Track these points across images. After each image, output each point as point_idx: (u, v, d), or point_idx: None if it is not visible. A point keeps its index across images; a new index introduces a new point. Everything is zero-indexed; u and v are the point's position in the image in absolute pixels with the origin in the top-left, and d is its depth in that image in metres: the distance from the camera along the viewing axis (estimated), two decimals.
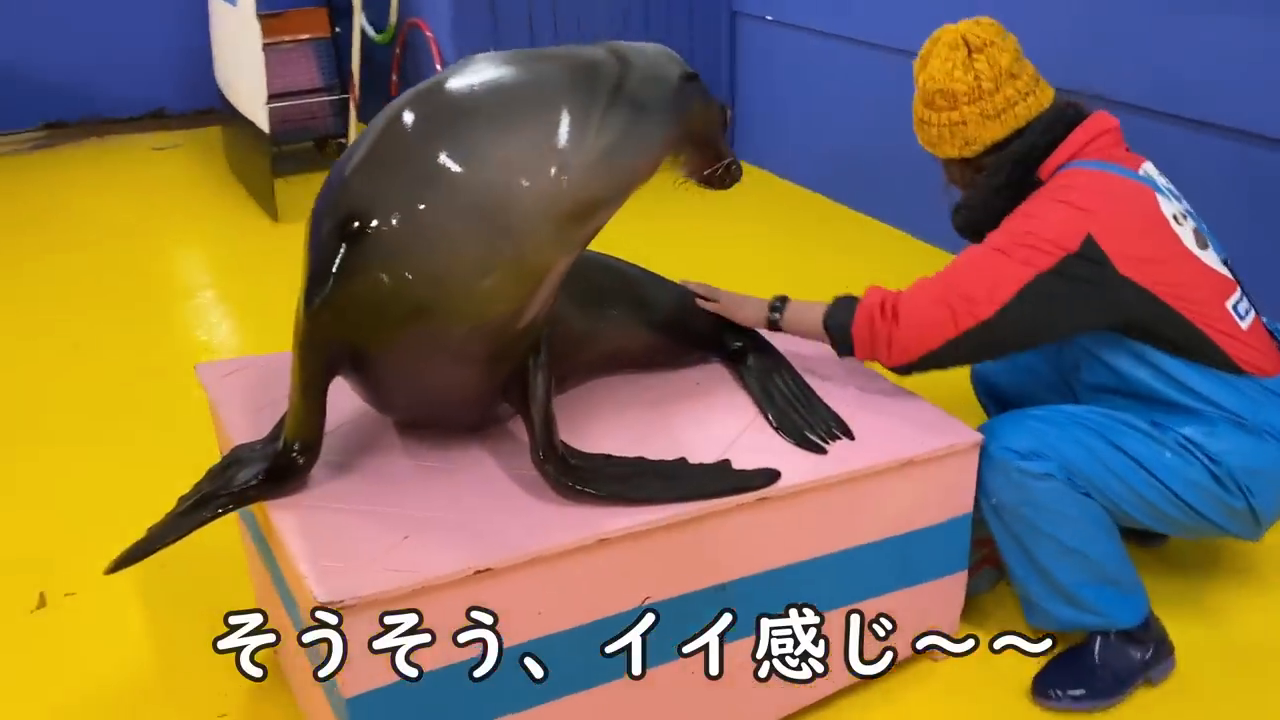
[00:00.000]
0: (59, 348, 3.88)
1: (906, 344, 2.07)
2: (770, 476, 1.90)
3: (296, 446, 1.78)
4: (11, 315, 4.19)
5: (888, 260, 4.38)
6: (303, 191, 4.74)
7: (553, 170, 1.66)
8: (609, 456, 1.91)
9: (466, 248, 1.64)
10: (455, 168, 1.64)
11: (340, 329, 1.72)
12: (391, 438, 2.00)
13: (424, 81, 1.77)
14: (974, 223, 2.21)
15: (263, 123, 4.90)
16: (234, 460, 1.88)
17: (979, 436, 2.10)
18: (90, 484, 3.03)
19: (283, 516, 1.75)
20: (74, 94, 6.57)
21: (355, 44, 5.49)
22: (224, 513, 1.77)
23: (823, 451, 2.03)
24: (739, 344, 2.34)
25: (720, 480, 1.88)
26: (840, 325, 2.15)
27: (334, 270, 1.66)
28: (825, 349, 2.42)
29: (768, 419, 2.13)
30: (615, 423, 2.09)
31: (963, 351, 2.07)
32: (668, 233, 4.76)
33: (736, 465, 1.93)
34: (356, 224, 1.64)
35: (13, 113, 6.47)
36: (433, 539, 1.71)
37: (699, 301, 2.34)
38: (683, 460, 1.92)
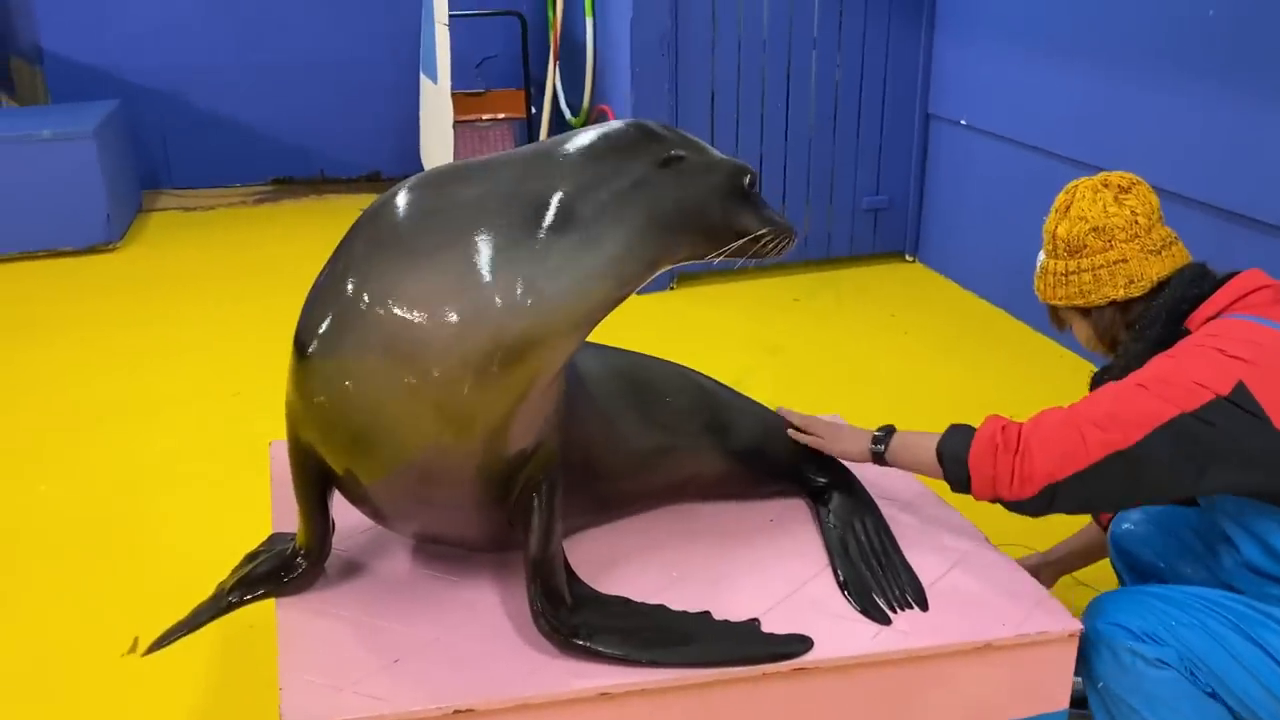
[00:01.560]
0: (223, 393, 4.08)
1: (1029, 472, 1.79)
2: (800, 646, 1.70)
3: (302, 552, 1.76)
4: (190, 359, 4.45)
5: (1062, 389, 4.00)
6: None
7: (468, 311, 1.51)
8: (627, 602, 1.77)
9: (385, 388, 1.54)
10: (369, 302, 1.54)
11: (306, 444, 1.68)
12: (417, 545, 1.93)
13: (378, 199, 1.66)
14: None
15: None
16: (264, 550, 1.87)
17: (1077, 625, 1.82)
18: (227, 532, 3.09)
19: (285, 616, 1.71)
20: (302, 154, 7.09)
21: (544, 124, 5.67)
22: (238, 605, 1.76)
23: (887, 621, 1.81)
24: (823, 480, 2.16)
25: (739, 648, 1.69)
26: (956, 454, 1.90)
27: (290, 388, 1.65)
28: (924, 495, 2.21)
29: (836, 573, 1.93)
30: (659, 556, 1.95)
31: (1092, 489, 1.78)
32: (823, 339, 4.60)
33: (786, 623, 1.74)
34: (303, 347, 1.61)
35: (246, 168, 7.04)
36: (423, 665, 1.61)
37: (791, 433, 2.17)
38: (706, 615, 1.74)
